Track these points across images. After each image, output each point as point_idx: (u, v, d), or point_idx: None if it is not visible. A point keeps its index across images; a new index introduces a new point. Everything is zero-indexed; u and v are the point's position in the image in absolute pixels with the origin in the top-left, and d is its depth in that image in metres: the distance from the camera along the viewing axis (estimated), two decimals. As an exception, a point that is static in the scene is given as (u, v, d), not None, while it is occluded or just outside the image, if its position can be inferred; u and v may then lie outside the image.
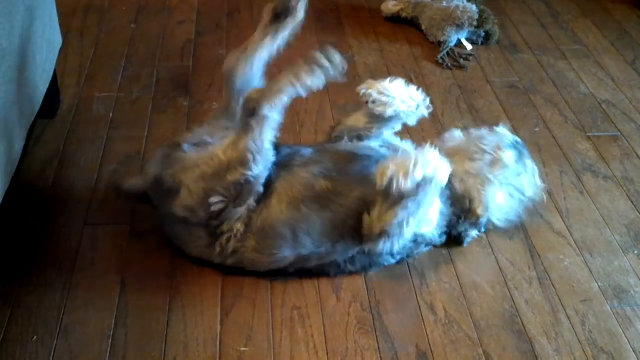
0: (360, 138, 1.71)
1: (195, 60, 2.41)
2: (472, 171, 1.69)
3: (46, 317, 1.50)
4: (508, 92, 2.37)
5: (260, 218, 1.54)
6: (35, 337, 1.46)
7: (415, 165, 1.44)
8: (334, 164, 1.59)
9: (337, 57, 1.45)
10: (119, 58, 2.39)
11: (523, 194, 1.75)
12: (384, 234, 1.52)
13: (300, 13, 1.49)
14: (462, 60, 2.49)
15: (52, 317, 1.50)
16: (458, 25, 2.53)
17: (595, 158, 2.08)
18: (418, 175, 1.44)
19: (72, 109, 2.13)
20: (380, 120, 1.69)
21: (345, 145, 1.69)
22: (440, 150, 1.75)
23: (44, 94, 1.84)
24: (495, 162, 1.68)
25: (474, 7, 2.53)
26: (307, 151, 1.63)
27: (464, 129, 1.82)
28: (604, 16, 2.89)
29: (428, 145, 1.53)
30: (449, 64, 2.48)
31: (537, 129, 2.19)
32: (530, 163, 1.77)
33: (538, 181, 1.78)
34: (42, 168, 1.89)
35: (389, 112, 1.64)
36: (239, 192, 1.49)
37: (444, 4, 2.60)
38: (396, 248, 1.56)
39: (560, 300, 1.63)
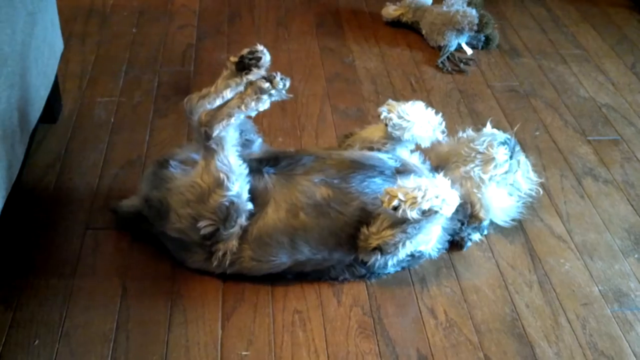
0: (371, 150, 1.72)
1: (196, 64, 2.42)
2: (468, 174, 1.70)
3: (48, 321, 1.50)
4: (508, 96, 2.37)
5: (256, 227, 1.55)
6: (37, 341, 1.46)
7: (424, 196, 1.45)
8: (337, 171, 1.60)
9: (281, 83, 1.48)
10: (120, 63, 2.39)
11: (520, 190, 1.76)
12: (378, 249, 1.54)
13: (262, 70, 1.51)
14: (462, 65, 2.50)
15: (53, 321, 1.50)
16: (458, 30, 2.54)
17: (595, 162, 2.09)
18: (425, 206, 1.45)
19: (73, 114, 2.13)
20: (395, 139, 1.70)
21: (352, 153, 1.69)
22: (432, 160, 1.76)
23: (45, 98, 1.85)
24: (488, 161, 1.70)
25: (474, 12, 2.54)
26: (309, 159, 1.63)
27: (455, 134, 1.83)
28: (604, 20, 2.90)
29: (440, 175, 1.56)
30: (449, 68, 2.48)
31: (537, 133, 2.20)
32: (523, 158, 1.78)
33: (532, 175, 1.80)
34: (43, 172, 1.89)
35: (407, 136, 1.67)
36: (226, 214, 1.50)
37: (444, 8, 2.61)
38: (390, 264, 1.58)
39: (560, 303, 1.63)
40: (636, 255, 1.77)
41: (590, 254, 1.77)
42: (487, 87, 2.41)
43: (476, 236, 1.75)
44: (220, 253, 1.55)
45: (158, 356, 1.45)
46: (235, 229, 1.53)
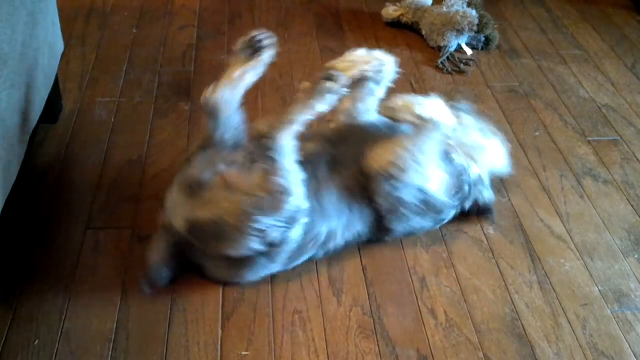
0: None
1: (196, 65, 2.42)
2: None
3: (48, 321, 1.50)
4: (508, 97, 2.37)
5: None
6: (36, 341, 1.46)
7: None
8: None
9: (342, 77, 1.48)
10: (120, 63, 2.40)
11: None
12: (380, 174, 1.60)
13: (271, 51, 1.53)
14: (462, 65, 2.50)
15: (53, 321, 1.50)
16: (458, 31, 2.54)
17: (595, 162, 2.09)
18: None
19: (73, 114, 2.13)
20: (358, 93, 1.74)
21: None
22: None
23: (45, 98, 1.85)
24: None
25: (474, 12, 2.54)
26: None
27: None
28: (603, 21, 2.90)
29: None
30: (450, 69, 2.49)
31: (537, 134, 2.20)
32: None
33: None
34: (43, 173, 1.90)
35: (355, 73, 1.64)
36: (292, 218, 1.49)
37: (444, 9, 2.61)
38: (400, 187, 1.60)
39: (560, 304, 1.63)
40: (636, 256, 1.78)
41: (590, 254, 1.77)
42: (487, 88, 2.41)
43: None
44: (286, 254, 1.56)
45: (158, 356, 1.45)
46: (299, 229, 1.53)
